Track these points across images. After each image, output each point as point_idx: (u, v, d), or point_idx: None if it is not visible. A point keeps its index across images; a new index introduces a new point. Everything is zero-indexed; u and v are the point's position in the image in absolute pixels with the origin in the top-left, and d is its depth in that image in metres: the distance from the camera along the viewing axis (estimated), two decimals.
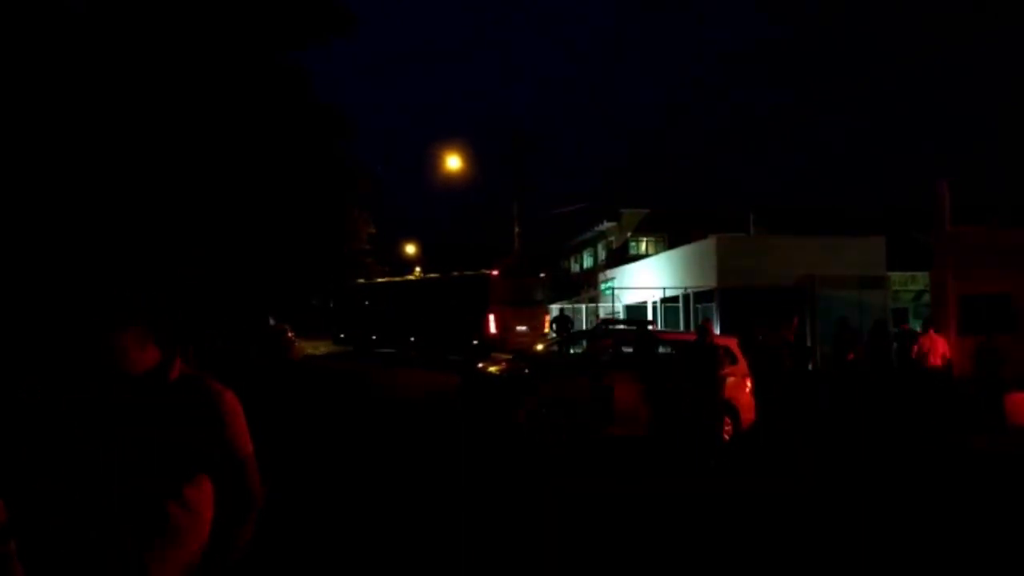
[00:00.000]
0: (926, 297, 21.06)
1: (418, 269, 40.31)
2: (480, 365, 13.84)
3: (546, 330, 22.16)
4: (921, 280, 22.12)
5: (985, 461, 10.91)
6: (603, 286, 31.90)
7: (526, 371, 11.67)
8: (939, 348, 14.02)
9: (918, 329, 15.58)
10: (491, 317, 20.99)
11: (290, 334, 22.33)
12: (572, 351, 13.31)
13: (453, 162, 27.03)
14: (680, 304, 24.07)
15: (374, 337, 26.39)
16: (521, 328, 21.51)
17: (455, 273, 24.16)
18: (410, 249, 50.59)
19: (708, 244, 23.17)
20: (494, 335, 20.97)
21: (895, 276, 23.30)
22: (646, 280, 26.61)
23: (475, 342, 21.04)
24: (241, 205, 15.85)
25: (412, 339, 24.38)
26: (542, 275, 23.36)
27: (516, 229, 26.65)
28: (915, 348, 14.16)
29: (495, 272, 22.06)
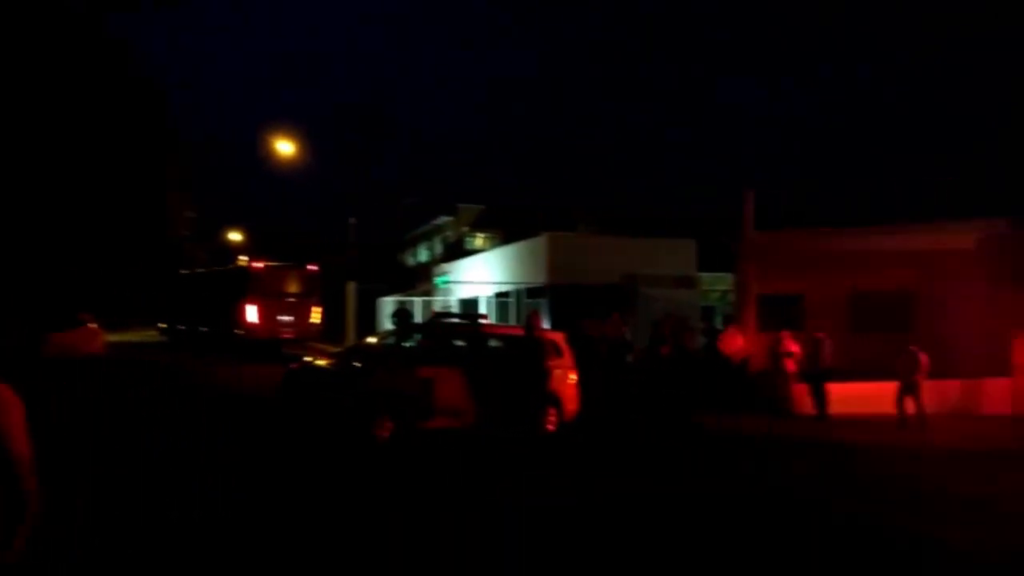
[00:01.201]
0: (731, 296, 23.05)
1: (244, 257, 38.37)
2: (307, 358, 13.50)
3: (314, 320, 23.57)
4: (727, 280, 24.18)
5: (778, 443, 12.20)
6: (438, 280, 32.05)
7: (355, 364, 11.50)
8: (738, 342, 15.40)
9: (719, 327, 17.01)
10: (250, 308, 22.13)
11: (91, 325, 20.74)
12: (405, 344, 13.28)
13: (288, 147, 26.09)
14: (512, 300, 24.69)
15: (180, 327, 26.99)
16: (285, 319, 22.82)
17: (226, 266, 26.05)
18: (236, 236, 48.00)
19: (540, 242, 23.95)
20: (253, 325, 22.13)
21: (705, 276, 25.32)
22: (480, 275, 27.05)
23: (237, 332, 22.14)
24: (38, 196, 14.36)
25: (183, 328, 26.17)
26: (311, 267, 24.18)
27: (352, 220, 26.10)
28: (719, 342, 15.49)
29: (257, 264, 23.51)
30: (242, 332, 22.06)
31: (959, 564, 6.30)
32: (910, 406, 14.26)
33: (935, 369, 15.18)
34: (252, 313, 22.08)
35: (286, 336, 23.06)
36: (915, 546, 6.74)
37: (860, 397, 15.12)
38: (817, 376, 14.93)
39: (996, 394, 16.42)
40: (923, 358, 14.24)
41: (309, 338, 23.99)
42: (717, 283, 25.67)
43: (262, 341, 22.23)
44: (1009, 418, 15.58)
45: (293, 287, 23.29)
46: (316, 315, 23.65)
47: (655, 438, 12.02)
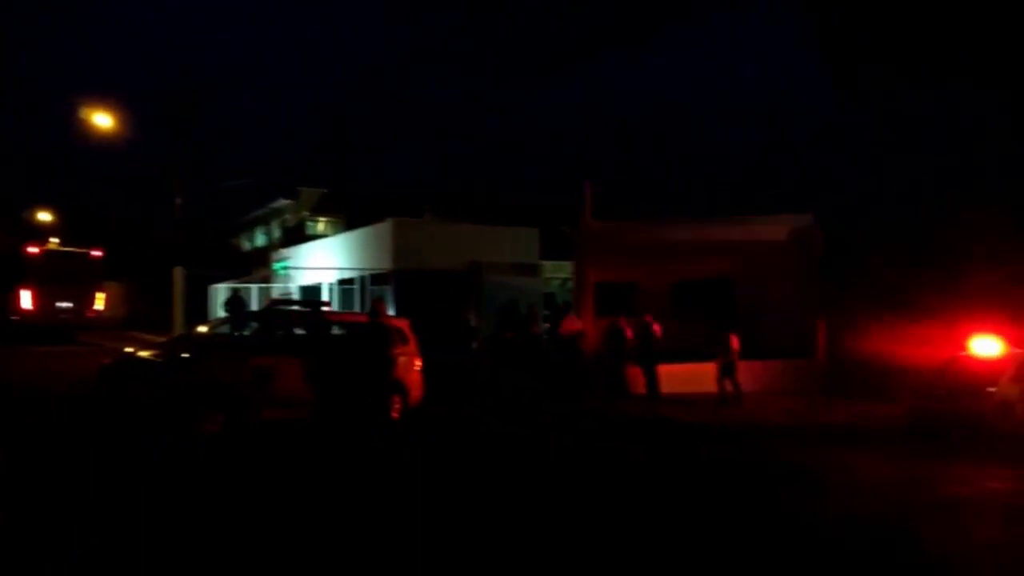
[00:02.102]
0: (570, 283, 23.91)
1: (55, 240, 34.87)
2: (128, 349, 12.55)
3: (98, 307, 23.36)
4: (567, 268, 25.06)
5: (607, 420, 12.85)
6: (276, 265, 30.77)
7: (183, 355, 10.82)
8: (575, 328, 15.99)
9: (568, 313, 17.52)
10: (25, 294, 21.82)
11: None
12: (240, 333, 12.66)
13: (105, 120, 23.79)
14: (356, 286, 24.21)
15: None
16: (64, 305, 22.54)
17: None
18: (45, 216, 43.47)
19: (385, 227, 23.62)
20: (28, 311, 21.84)
21: (547, 264, 26.09)
22: (322, 261, 26.27)
23: (13, 318, 21.73)
24: None
25: None
26: (95, 253, 23.75)
27: (177, 200, 24.38)
28: (560, 327, 16.02)
29: (33, 249, 22.96)
30: (17, 318, 21.65)
31: (790, 533, 6.93)
32: (728, 385, 15.49)
33: (752, 351, 16.58)
34: (27, 299, 21.74)
35: (66, 322, 22.62)
36: (749, 516, 7.34)
37: (686, 377, 16.23)
38: (648, 359, 15.83)
39: (804, 373, 18.22)
40: (735, 341, 15.45)
41: (97, 325, 23.46)
42: (558, 271, 26.53)
43: (39, 327, 21.65)
44: (816, 396, 17.33)
45: (74, 272, 22.85)
46: (100, 301, 23.43)
47: (503, 423, 12.28)
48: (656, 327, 15.95)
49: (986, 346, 14.24)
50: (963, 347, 14.91)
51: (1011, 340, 14.23)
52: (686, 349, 16.52)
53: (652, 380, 15.72)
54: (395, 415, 11.57)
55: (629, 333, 15.92)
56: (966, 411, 12.65)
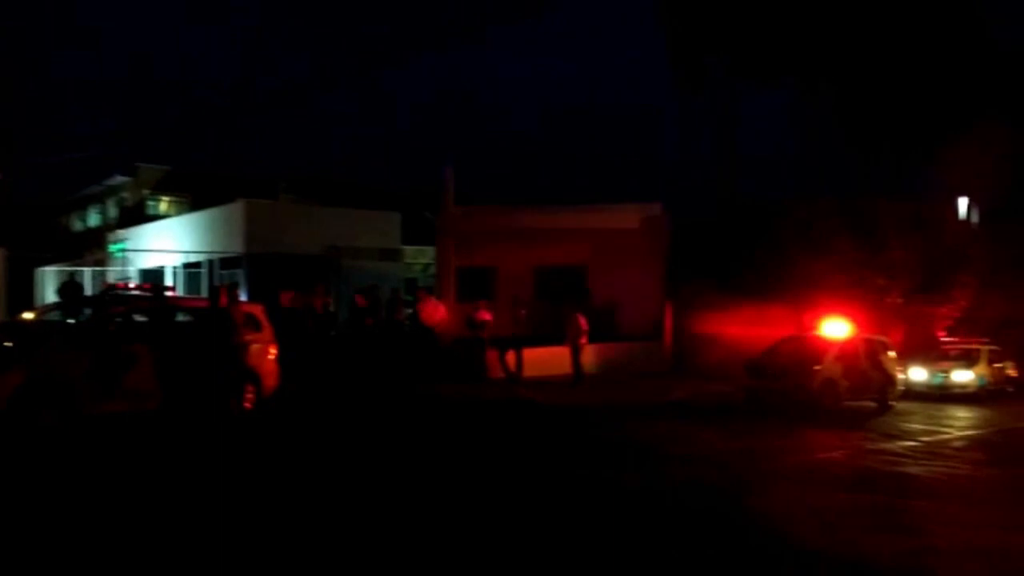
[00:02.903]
0: (432, 268, 23.81)
1: None
2: None
3: None
4: (429, 254, 24.92)
5: (461, 405, 12.95)
6: (113, 247, 28.48)
7: (5, 344, 9.80)
8: (438, 313, 15.96)
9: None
10: None
11: None
12: (74, 320, 11.61)
13: None
14: (204, 270, 22.87)
15: None
16: None
17: None
18: None
19: (236, 208, 22.44)
20: None
21: (409, 250, 25.81)
22: (166, 243, 24.59)
23: None
24: None
25: None
26: None
27: None
28: (422, 313, 15.93)
29: None
30: None
31: (632, 502, 7.25)
32: (580, 366, 16.03)
33: (607, 334, 17.26)
34: None
35: None
36: (599, 489, 7.61)
37: (545, 360, 16.64)
38: (510, 342, 16.06)
39: (654, 354, 19.20)
40: (583, 323, 15.98)
41: None
42: (420, 256, 26.33)
43: None
44: (664, 375, 18.29)
45: None
46: None
47: (368, 409, 12.06)
48: (521, 311, 16.18)
49: (814, 328, 15.62)
50: (794, 329, 16.29)
51: (836, 323, 15.68)
52: (545, 332, 16.94)
53: (516, 363, 15.95)
54: (248, 405, 11.07)
55: (488, 317, 16.06)
56: (795, 387, 13.82)
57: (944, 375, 16.82)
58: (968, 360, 17.19)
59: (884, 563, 5.53)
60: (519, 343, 16.03)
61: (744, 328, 17.32)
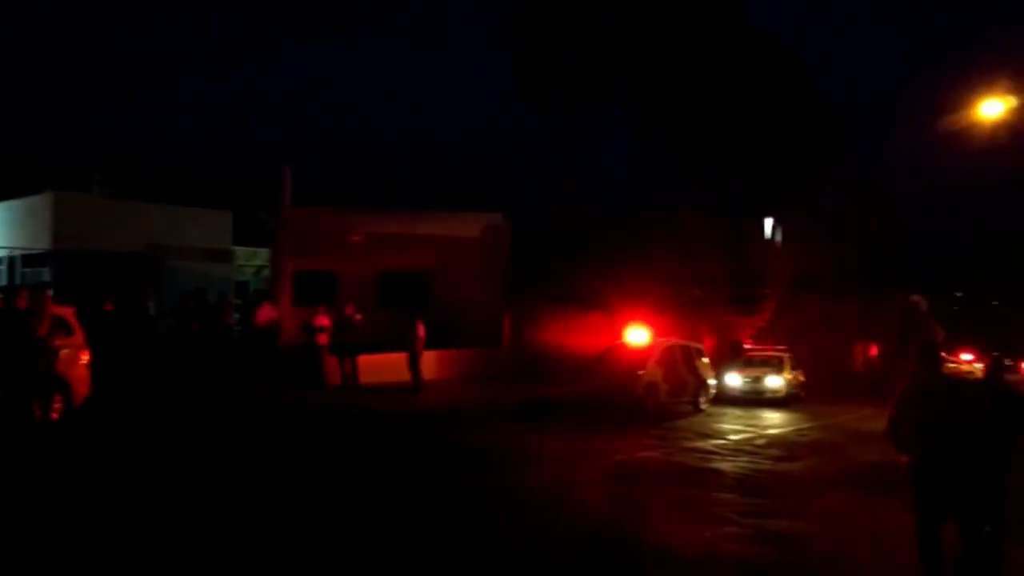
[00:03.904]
0: (266, 271, 22.91)
1: None
2: None
3: None
4: (263, 256, 23.94)
5: (299, 414, 12.62)
6: None
7: None
8: (272, 317, 15.40)
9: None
10: None
11: None
12: None
13: None
14: (4, 267, 20.64)
15: None
16: None
17: None
18: None
19: (42, 201, 20.46)
20: None
21: (241, 251, 24.64)
22: None
23: None
24: None
25: None
26: None
27: None
28: (255, 318, 15.32)
29: None
30: None
31: (473, 507, 7.41)
32: (419, 373, 16.08)
33: (448, 341, 17.42)
34: None
35: None
36: (437, 494, 7.71)
37: (384, 367, 16.52)
38: (348, 349, 15.81)
39: (492, 361, 19.59)
40: (421, 329, 16.01)
41: None
42: (253, 258, 25.21)
43: None
44: (501, 381, 18.71)
45: None
46: None
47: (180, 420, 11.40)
48: (358, 317, 15.98)
49: (637, 335, 16.68)
50: (619, 336, 17.29)
51: (657, 331, 16.85)
52: (386, 339, 16.84)
53: (353, 369, 15.73)
54: (55, 416, 10.13)
55: (326, 322, 15.73)
56: (621, 391, 14.70)
57: (757, 380, 18.44)
58: (776, 367, 19.01)
59: (692, 550, 6.08)
60: (355, 349, 15.82)
61: (577, 335, 18.18)
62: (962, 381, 5.23)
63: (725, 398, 17.80)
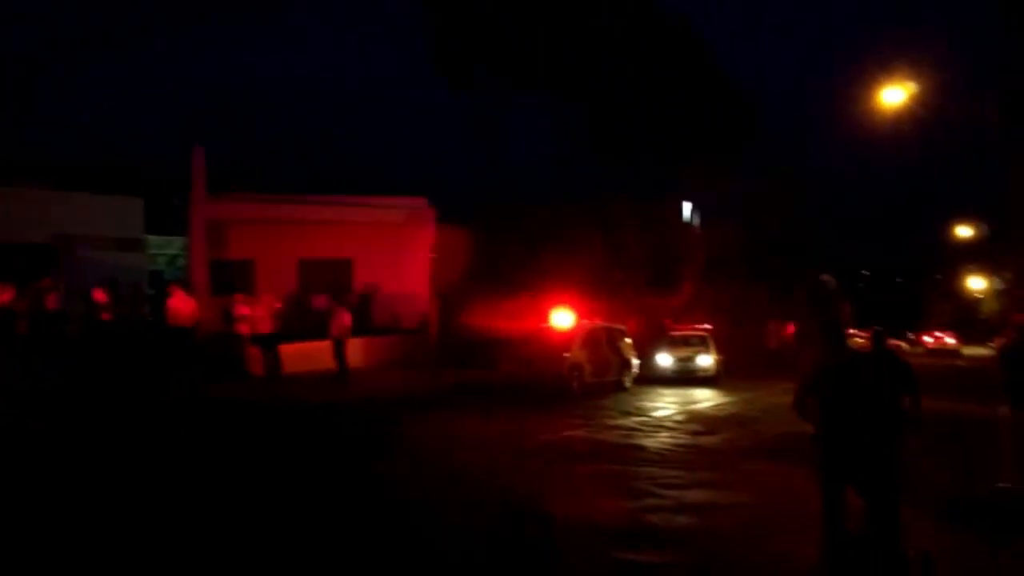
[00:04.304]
0: (181, 260, 22.15)
1: None
2: None
3: None
4: (178, 244, 23.12)
5: (222, 406, 12.33)
6: None
7: None
8: (188, 308, 14.85)
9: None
10: None
11: None
12: None
13: None
14: None
15: None
16: None
17: None
18: None
19: None
20: None
21: (153, 239, 23.70)
22: None
23: None
24: None
25: None
26: None
27: None
28: (169, 308, 14.78)
29: None
30: None
31: (396, 490, 7.43)
32: (345, 361, 15.91)
33: (373, 328, 17.27)
34: None
35: None
36: (362, 481, 7.69)
37: (308, 356, 16.28)
38: (269, 339, 15.48)
39: (421, 347, 19.53)
40: (346, 317, 15.84)
41: None
42: (167, 247, 24.31)
43: None
44: (430, 367, 18.67)
45: None
46: None
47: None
48: (279, 306, 15.64)
49: (562, 318, 16.95)
50: (545, 319, 17.54)
51: (581, 313, 17.16)
52: (310, 327, 16.59)
53: (274, 360, 15.42)
54: None
55: (247, 311, 15.34)
56: (547, 373, 14.95)
57: (688, 360, 18.89)
58: (704, 346, 19.50)
59: (614, 522, 6.28)
60: (277, 339, 15.51)
61: (504, 320, 18.31)
62: (863, 355, 5.54)
63: (657, 378, 18.19)
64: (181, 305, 14.40)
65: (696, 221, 27.07)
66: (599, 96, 30.10)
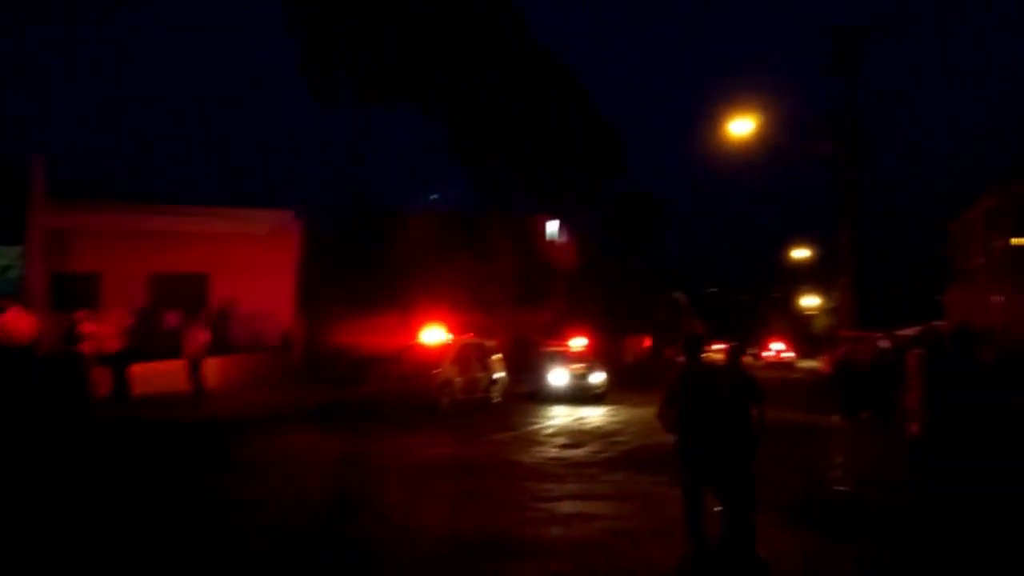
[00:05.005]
0: (14, 272, 20.19)
1: None
2: None
3: None
4: (12, 255, 21.05)
5: (64, 430, 11.37)
6: None
7: None
8: (25, 325, 13.57)
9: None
10: None
11: None
12: None
13: None
14: None
15: None
16: None
17: None
18: None
19: None
20: None
21: None
22: None
23: None
24: None
25: None
26: None
27: None
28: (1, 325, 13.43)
29: None
30: None
31: (250, 513, 7.12)
32: (200, 381, 15.08)
33: (233, 346, 16.49)
34: None
35: None
36: (215, 506, 7.32)
37: (160, 376, 15.30)
38: (117, 358, 14.43)
39: (284, 365, 18.85)
40: (202, 335, 15.04)
41: None
42: None
43: None
44: (294, 385, 18.06)
45: None
46: None
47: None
48: (128, 323, 14.63)
49: (432, 334, 16.95)
50: (415, 336, 17.47)
51: (452, 329, 17.23)
52: (163, 346, 15.63)
53: (122, 381, 14.37)
54: None
55: (92, 329, 14.19)
56: (418, 390, 14.86)
57: (583, 377, 18.68)
58: (591, 362, 19.51)
59: (489, 536, 6.37)
60: (126, 358, 14.49)
61: (374, 336, 18.04)
62: (719, 367, 5.96)
63: (549, 395, 18.11)
64: (17, 321, 13.14)
65: (563, 239, 27.93)
66: (467, 114, 30.44)
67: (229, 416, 13.46)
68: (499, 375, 17.43)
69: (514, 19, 30.92)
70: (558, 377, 18.40)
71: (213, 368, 15.84)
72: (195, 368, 14.85)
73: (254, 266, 18.96)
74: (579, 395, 18.24)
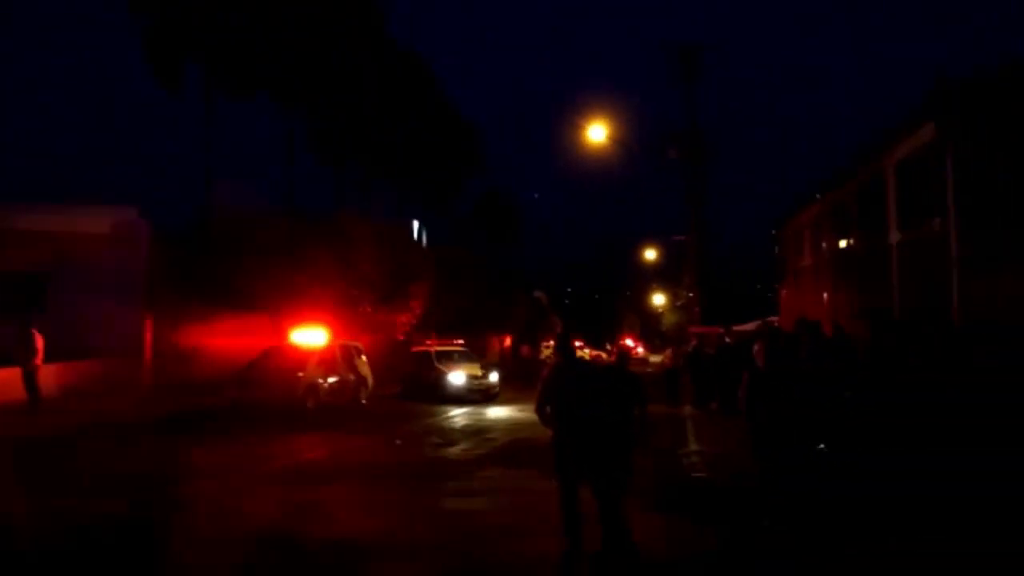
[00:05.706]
0: None
1: None
2: None
3: None
4: None
5: None
6: None
7: None
8: None
9: None
10: None
11: None
12: None
13: None
14: None
15: None
16: None
17: None
18: None
19: None
20: None
21: None
22: None
23: None
24: None
25: None
26: None
27: None
28: None
29: None
30: None
31: (120, 528, 6.67)
32: (37, 389, 13.81)
33: (72, 351, 15.25)
34: None
35: None
36: (74, 522, 6.81)
37: None
38: None
39: (130, 371, 17.61)
40: (38, 340, 13.78)
41: None
42: None
43: None
44: (146, 391, 16.93)
45: None
46: None
47: None
48: None
49: (297, 337, 16.50)
50: (279, 339, 16.92)
51: (317, 331, 16.82)
52: None
53: None
54: None
55: None
56: (281, 394, 14.40)
57: (482, 378, 19.25)
58: (472, 360, 20.04)
59: (370, 539, 6.35)
60: None
61: (231, 340, 17.27)
62: (591, 365, 6.31)
63: (448, 397, 18.19)
64: None
65: (424, 240, 27.96)
66: (325, 113, 29.72)
67: (68, 427, 12.42)
68: (366, 377, 17.25)
69: (373, 19, 30.59)
70: (456, 378, 18.78)
71: (50, 376, 14.56)
72: (30, 376, 13.58)
73: (97, 266, 17.63)
74: (476, 397, 18.61)
